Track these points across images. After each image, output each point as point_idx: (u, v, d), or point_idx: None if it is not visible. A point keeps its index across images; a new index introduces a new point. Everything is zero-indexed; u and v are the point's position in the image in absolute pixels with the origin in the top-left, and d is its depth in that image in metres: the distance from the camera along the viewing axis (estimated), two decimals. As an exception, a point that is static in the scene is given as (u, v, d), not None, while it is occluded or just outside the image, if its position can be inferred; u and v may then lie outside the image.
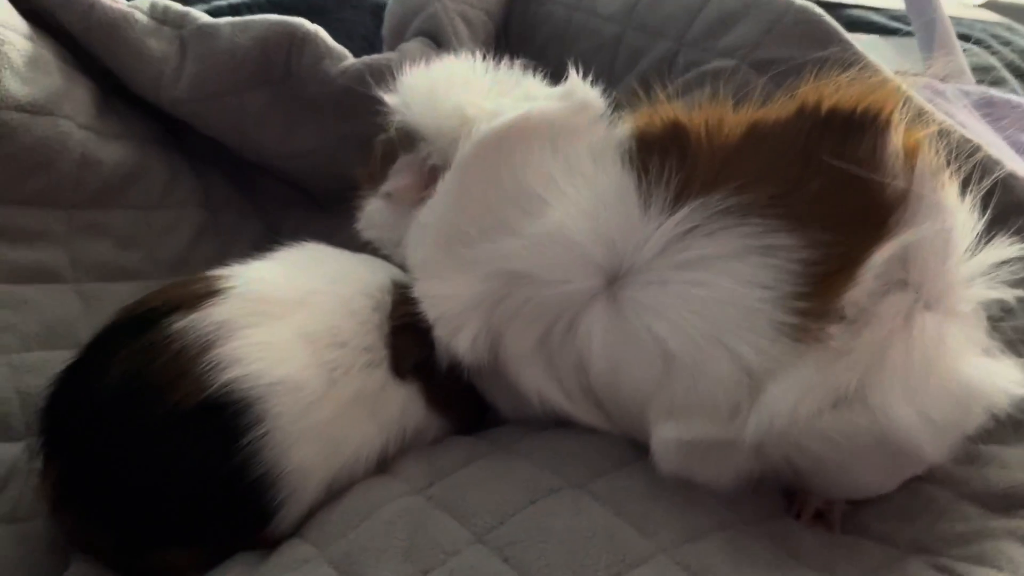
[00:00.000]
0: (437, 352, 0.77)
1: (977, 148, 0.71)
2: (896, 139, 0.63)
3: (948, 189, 0.64)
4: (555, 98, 0.78)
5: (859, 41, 0.98)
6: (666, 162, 0.68)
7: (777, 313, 0.62)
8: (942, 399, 0.60)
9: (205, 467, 0.68)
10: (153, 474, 0.68)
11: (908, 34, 1.68)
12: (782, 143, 0.66)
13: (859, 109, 0.64)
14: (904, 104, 0.66)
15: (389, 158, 0.87)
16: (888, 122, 0.64)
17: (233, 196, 1.18)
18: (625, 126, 0.75)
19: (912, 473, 0.70)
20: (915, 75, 0.93)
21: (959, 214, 0.64)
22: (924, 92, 1.11)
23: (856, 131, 0.63)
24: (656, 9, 1.03)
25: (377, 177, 0.89)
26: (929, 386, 0.60)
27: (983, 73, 1.44)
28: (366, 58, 1.05)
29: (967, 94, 1.17)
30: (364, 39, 1.28)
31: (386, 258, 0.90)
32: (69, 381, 0.73)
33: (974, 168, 0.67)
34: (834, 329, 0.61)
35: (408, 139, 0.83)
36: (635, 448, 0.73)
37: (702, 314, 0.64)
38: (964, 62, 1.41)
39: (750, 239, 0.63)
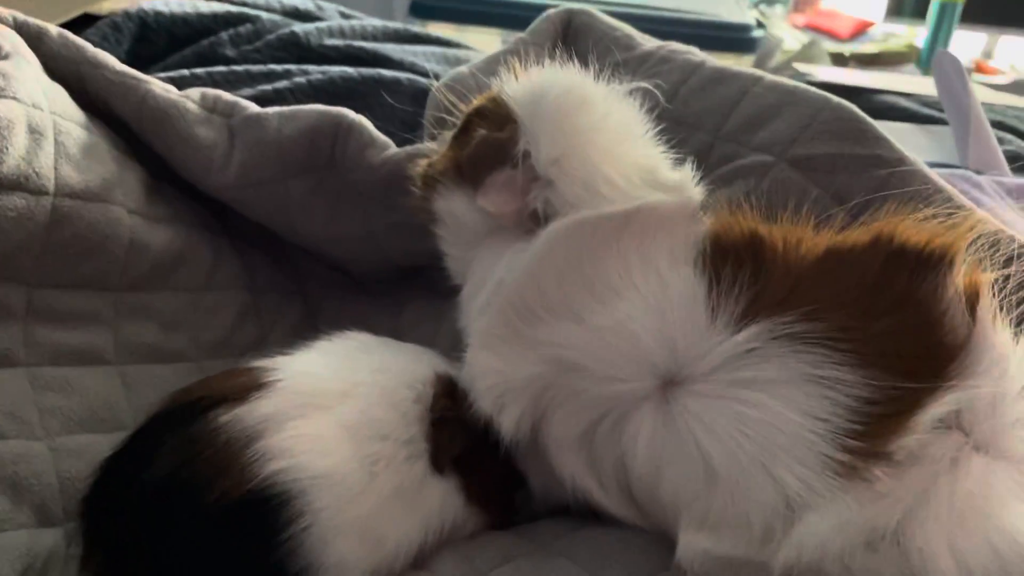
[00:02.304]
0: (476, 426, 0.77)
1: None
2: (958, 281, 0.64)
3: (1003, 331, 0.64)
4: (668, 190, 0.77)
5: (891, 129, 0.97)
6: (739, 273, 0.68)
7: (826, 447, 0.62)
8: (982, 549, 0.58)
9: (246, 561, 0.68)
10: (195, 567, 0.68)
11: (941, 121, 1.69)
12: (855, 273, 0.66)
13: (927, 248, 0.65)
14: (973, 244, 0.66)
15: (487, 161, 0.80)
16: (952, 263, 0.64)
17: (275, 278, 1.19)
18: (703, 227, 0.75)
19: None
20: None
21: (1014, 357, 0.64)
22: (962, 184, 1.11)
23: (923, 270, 0.64)
24: (693, 102, 1.05)
25: (466, 170, 0.82)
26: (971, 533, 0.58)
27: (1014, 161, 1.44)
28: (408, 148, 1.07)
29: (1003, 185, 1.17)
30: (403, 123, 1.30)
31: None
32: (113, 471, 0.74)
33: None
34: (880, 471, 0.61)
35: (524, 164, 0.77)
36: (673, 549, 0.71)
37: (751, 436, 0.64)
38: (999, 151, 1.42)
39: (811, 368, 0.63)
